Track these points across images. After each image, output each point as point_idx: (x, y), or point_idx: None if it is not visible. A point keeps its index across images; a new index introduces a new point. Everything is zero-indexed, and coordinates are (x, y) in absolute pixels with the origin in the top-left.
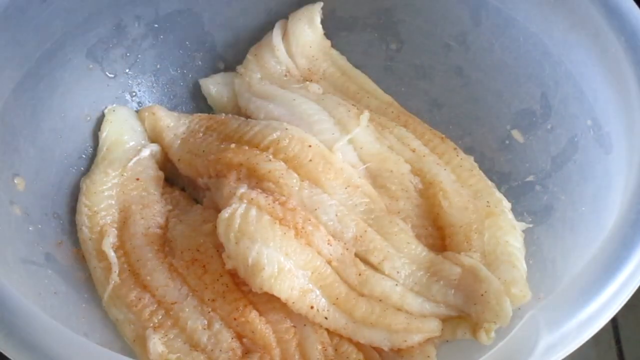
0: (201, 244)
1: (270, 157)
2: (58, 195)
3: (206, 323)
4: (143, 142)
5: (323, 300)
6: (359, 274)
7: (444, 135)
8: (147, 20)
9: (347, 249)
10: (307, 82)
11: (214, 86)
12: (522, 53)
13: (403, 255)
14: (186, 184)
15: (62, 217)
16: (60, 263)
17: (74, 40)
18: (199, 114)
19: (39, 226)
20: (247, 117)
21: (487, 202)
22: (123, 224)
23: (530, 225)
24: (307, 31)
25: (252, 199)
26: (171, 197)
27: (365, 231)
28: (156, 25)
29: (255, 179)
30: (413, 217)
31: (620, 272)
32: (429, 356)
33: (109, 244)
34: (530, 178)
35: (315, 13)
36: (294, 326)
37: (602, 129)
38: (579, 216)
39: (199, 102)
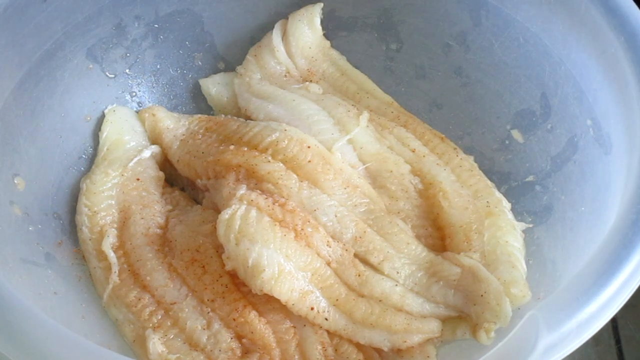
0: (201, 245)
1: (270, 158)
2: (58, 195)
3: (205, 323)
4: (144, 142)
5: (323, 301)
6: (359, 275)
7: (443, 136)
8: (147, 20)
9: (347, 250)
10: (307, 83)
11: (214, 86)
12: (522, 53)
13: (403, 256)
14: (186, 184)
15: (62, 217)
16: (60, 263)
17: (74, 40)
18: (199, 115)
19: (39, 226)
20: (247, 117)
21: (487, 202)
22: (123, 224)
23: (530, 225)
24: (307, 32)
25: (252, 200)
26: (171, 197)
27: (365, 232)
28: (156, 25)
29: (255, 180)
30: (413, 217)
31: (620, 272)
32: (428, 356)
33: (108, 244)
34: (530, 178)
35: (315, 14)
36: (294, 326)
37: (602, 129)
38: (579, 216)
39: (199, 103)
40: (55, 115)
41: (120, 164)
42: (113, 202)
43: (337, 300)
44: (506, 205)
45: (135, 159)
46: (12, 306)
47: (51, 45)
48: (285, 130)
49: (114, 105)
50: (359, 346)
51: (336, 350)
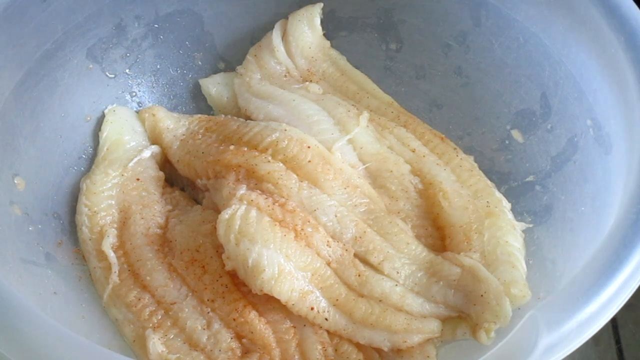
0: (200, 245)
1: (270, 158)
2: (58, 195)
3: (205, 323)
4: (144, 142)
5: (323, 301)
6: (359, 275)
7: (443, 136)
8: (147, 20)
9: (347, 250)
10: (307, 83)
11: (214, 86)
12: (522, 53)
13: (403, 256)
14: (186, 184)
15: (62, 217)
16: (60, 263)
17: (74, 40)
18: (199, 115)
19: (39, 226)
20: (247, 117)
21: (487, 202)
22: (123, 224)
23: (530, 225)
24: (307, 32)
25: (252, 200)
26: (171, 197)
27: (365, 232)
28: (156, 25)
29: (255, 180)
30: (413, 217)
31: (620, 272)
32: (428, 356)
33: (108, 244)
34: (530, 178)
35: (314, 14)
36: (294, 326)
37: (602, 129)
38: (579, 216)
39: (199, 103)
40: (55, 115)
41: (120, 164)
42: (113, 202)
43: (337, 300)
44: (506, 205)
45: (135, 159)
46: (12, 306)
47: (51, 45)
48: (285, 130)
49: (114, 105)
50: (359, 346)
51: (336, 350)
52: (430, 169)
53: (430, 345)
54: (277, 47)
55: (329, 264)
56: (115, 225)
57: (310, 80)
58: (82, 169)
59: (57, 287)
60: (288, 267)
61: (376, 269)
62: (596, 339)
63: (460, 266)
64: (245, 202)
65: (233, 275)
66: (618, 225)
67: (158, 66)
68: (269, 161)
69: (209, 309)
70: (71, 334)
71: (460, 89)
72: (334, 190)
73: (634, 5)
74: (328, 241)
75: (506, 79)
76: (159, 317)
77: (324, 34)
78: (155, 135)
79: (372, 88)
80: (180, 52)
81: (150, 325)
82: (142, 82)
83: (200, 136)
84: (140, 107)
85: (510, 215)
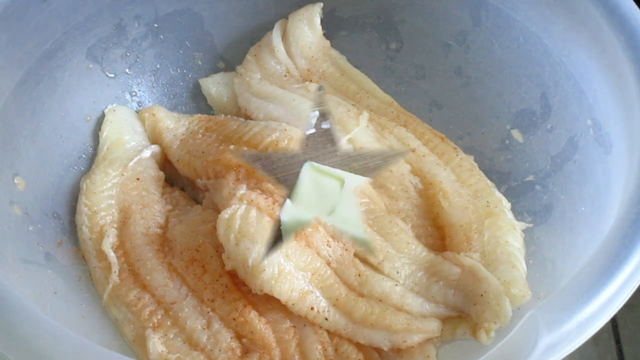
0: (200, 244)
1: None
2: (58, 195)
3: (205, 323)
4: (144, 142)
5: (323, 301)
6: (359, 275)
7: (443, 135)
8: (147, 20)
9: (347, 250)
10: (307, 83)
11: (214, 86)
12: (522, 53)
13: (403, 256)
14: (186, 184)
15: (62, 217)
16: (60, 263)
17: (74, 40)
18: (199, 115)
19: (39, 226)
20: (247, 117)
21: (487, 202)
22: (123, 224)
23: (530, 225)
24: (307, 32)
25: (252, 200)
26: (171, 197)
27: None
28: (156, 25)
29: (254, 180)
30: (413, 217)
31: (619, 272)
32: (428, 356)
33: (108, 244)
34: (530, 178)
35: (315, 13)
36: (294, 326)
37: (602, 129)
38: (579, 216)
39: (199, 102)
40: (55, 115)
41: (120, 163)
42: (113, 201)
43: (337, 300)
44: (506, 205)
45: (135, 159)
46: (12, 306)
47: (51, 45)
48: (285, 130)
49: (114, 105)
50: (359, 346)
51: (336, 350)
52: (430, 168)
53: (430, 345)
54: (277, 47)
55: (329, 263)
56: (115, 225)
57: (310, 80)
58: (82, 169)
59: (57, 287)
60: (288, 267)
61: (376, 268)
62: (596, 338)
63: (460, 266)
64: (245, 202)
65: (233, 275)
66: (618, 225)
67: (158, 66)
68: None
69: (209, 309)
70: (71, 334)
71: (460, 89)
72: None
73: (634, 5)
74: (328, 241)
75: (506, 79)
76: (159, 317)
77: (324, 34)
78: (155, 135)
79: (372, 88)
80: (180, 52)
81: (150, 325)
82: (142, 82)
83: (200, 136)
84: (140, 107)
85: (510, 215)
